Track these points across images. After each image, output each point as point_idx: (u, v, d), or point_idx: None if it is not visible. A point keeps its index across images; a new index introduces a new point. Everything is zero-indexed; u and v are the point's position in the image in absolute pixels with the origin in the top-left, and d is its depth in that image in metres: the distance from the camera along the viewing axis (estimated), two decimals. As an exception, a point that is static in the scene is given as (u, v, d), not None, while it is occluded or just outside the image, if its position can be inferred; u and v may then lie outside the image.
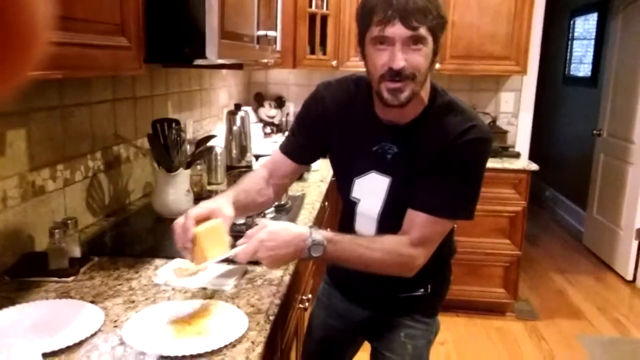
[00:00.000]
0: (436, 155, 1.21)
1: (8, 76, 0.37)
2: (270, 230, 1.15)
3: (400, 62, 1.13)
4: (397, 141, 1.27)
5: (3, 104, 1.29)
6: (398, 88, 1.16)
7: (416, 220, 1.22)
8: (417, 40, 1.12)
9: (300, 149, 1.41)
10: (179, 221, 1.17)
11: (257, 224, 1.19)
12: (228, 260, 1.35)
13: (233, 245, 1.17)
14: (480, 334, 3.19)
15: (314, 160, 1.46)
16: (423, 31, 1.12)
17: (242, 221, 1.62)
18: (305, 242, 1.15)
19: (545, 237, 5.04)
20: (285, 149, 1.43)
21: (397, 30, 1.12)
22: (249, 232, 1.17)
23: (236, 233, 1.25)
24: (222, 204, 1.22)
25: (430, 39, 1.14)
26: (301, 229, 1.19)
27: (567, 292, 3.84)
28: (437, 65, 3.22)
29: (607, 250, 4.31)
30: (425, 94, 1.25)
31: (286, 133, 1.63)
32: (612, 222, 4.22)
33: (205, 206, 1.20)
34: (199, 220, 1.16)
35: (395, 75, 1.15)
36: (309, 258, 1.19)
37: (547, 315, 3.44)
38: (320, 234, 1.17)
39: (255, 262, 1.41)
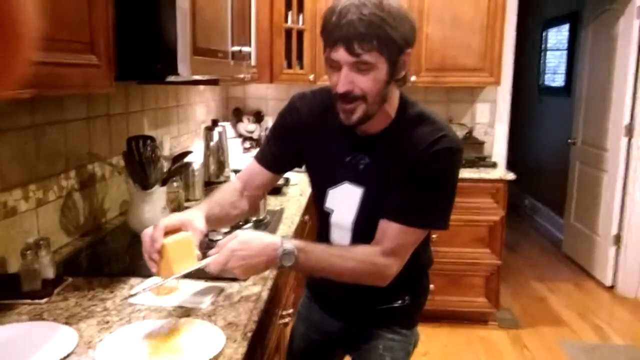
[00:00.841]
0: (407, 165, 1.21)
1: None
2: (242, 239, 1.14)
3: (342, 87, 1.15)
4: (369, 151, 1.28)
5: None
6: (349, 109, 1.19)
7: (388, 230, 1.22)
8: (362, 66, 1.13)
9: (275, 158, 1.41)
10: (148, 231, 1.15)
11: None
12: (203, 276, 1.34)
13: (203, 259, 1.16)
14: (463, 343, 3.19)
15: (288, 169, 1.46)
16: (367, 57, 1.12)
17: (219, 237, 1.61)
18: (276, 252, 1.15)
19: (525, 245, 5.08)
20: (260, 158, 1.43)
21: (340, 55, 1.13)
22: (220, 242, 1.16)
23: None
24: (195, 217, 1.21)
25: (380, 62, 1.14)
26: (273, 238, 1.18)
27: (548, 299, 3.87)
28: (413, 78, 3.26)
29: (586, 257, 4.37)
30: (391, 108, 1.26)
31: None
32: (590, 229, 4.28)
33: (176, 217, 1.20)
34: (169, 232, 1.15)
35: (343, 97, 1.17)
36: (281, 268, 1.19)
37: (529, 323, 3.46)
38: (292, 243, 1.16)
39: (233, 279, 1.41)
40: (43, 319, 1.18)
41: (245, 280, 1.41)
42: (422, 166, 1.20)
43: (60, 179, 1.68)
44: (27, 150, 1.52)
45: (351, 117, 1.20)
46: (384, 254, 1.21)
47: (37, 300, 1.26)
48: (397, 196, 1.22)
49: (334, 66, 1.17)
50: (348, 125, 1.22)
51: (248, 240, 1.15)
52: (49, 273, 1.36)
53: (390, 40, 1.12)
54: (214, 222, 1.30)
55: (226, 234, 1.61)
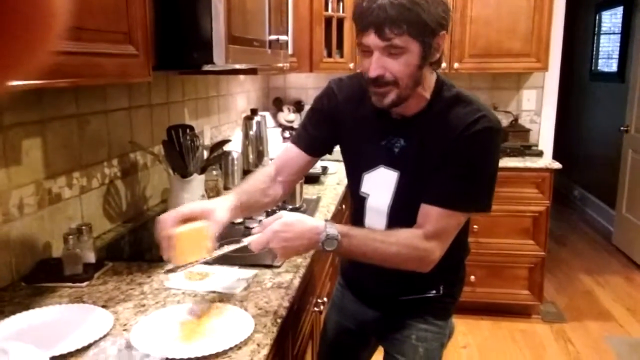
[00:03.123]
0: (446, 148, 1.20)
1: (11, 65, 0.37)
2: (285, 221, 1.15)
3: (374, 71, 1.15)
4: (405, 134, 1.27)
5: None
6: (380, 93, 1.18)
7: (430, 213, 1.21)
8: (393, 50, 1.13)
9: (312, 140, 1.41)
10: (164, 216, 1.16)
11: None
12: (237, 262, 1.36)
13: (215, 250, 1.16)
14: (504, 337, 3.13)
15: (323, 153, 1.45)
16: (398, 41, 1.11)
17: (254, 225, 1.63)
18: (319, 236, 1.15)
19: (573, 237, 4.93)
20: (297, 140, 1.43)
21: (371, 40, 1.13)
22: (264, 221, 1.17)
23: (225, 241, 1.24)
24: (217, 207, 1.20)
25: (412, 46, 1.13)
26: (316, 222, 1.18)
27: (596, 293, 3.75)
28: (456, 65, 3.19)
29: (637, 250, 4.20)
30: (426, 90, 1.24)
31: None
32: (642, 221, 4.11)
33: (197, 205, 1.21)
34: (190, 219, 1.15)
35: (375, 81, 1.17)
36: (323, 251, 1.19)
37: (575, 317, 3.36)
38: (335, 228, 1.16)
39: (266, 265, 1.42)
40: (82, 302, 1.23)
41: (280, 266, 1.43)
42: (462, 148, 1.18)
43: (103, 167, 1.73)
44: (72, 138, 1.57)
45: (383, 100, 1.19)
46: (426, 237, 1.20)
47: (77, 284, 1.31)
48: (438, 179, 1.21)
49: (366, 51, 1.16)
50: (380, 107, 1.21)
51: (291, 222, 1.15)
52: (90, 258, 1.41)
53: (422, 23, 1.11)
54: (243, 210, 1.31)
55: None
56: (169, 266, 1.43)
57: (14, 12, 0.33)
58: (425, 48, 1.15)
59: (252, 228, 1.20)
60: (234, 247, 1.17)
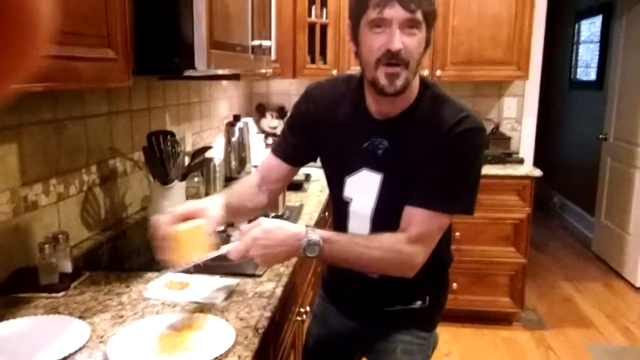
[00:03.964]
0: (430, 148, 1.19)
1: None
2: (265, 228, 1.12)
3: (398, 43, 1.12)
4: (388, 135, 1.25)
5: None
6: (394, 73, 1.15)
7: (414, 216, 1.19)
8: (413, 24, 1.12)
9: (292, 149, 1.39)
10: (161, 218, 1.14)
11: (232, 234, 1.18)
12: (217, 271, 1.34)
13: (218, 247, 1.15)
14: (486, 344, 3.14)
15: (305, 162, 1.43)
16: (419, 15, 1.12)
17: (221, 228, 1.60)
18: (300, 242, 1.12)
19: (553, 244, 4.97)
20: (277, 151, 1.41)
21: (395, 12, 1.11)
22: (243, 228, 1.15)
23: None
24: (211, 205, 1.19)
25: (424, 26, 1.14)
26: (297, 227, 1.16)
27: (576, 299, 3.78)
28: (438, 72, 3.21)
29: (616, 257, 4.25)
30: (415, 85, 1.24)
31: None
32: (621, 228, 4.16)
33: (191, 205, 1.19)
34: (183, 219, 1.14)
35: (391, 57, 1.13)
36: (305, 258, 1.17)
37: (555, 324, 3.39)
38: (317, 234, 1.14)
39: (247, 274, 1.40)
40: (58, 313, 1.19)
41: (261, 275, 1.40)
42: (446, 149, 1.18)
43: (81, 174, 1.70)
44: (49, 144, 1.53)
45: (395, 82, 1.16)
46: (409, 241, 1.18)
47: (53, 294, 1.28)
48: (422, 181, 1.20)
49: (382, 25, 1.13)
50: (391, 92, 1.17)
51: (271, 229, 1.13)
52: (67, 267, 1.38)
53: (432, 8, 1.15)
54: (232, 212, 1.29)
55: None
56: (150, 275, 1.40)
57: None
58: (428, 33, 1.16)
59: (232, 235, 1.18)
60: (212, 254, 1.15)
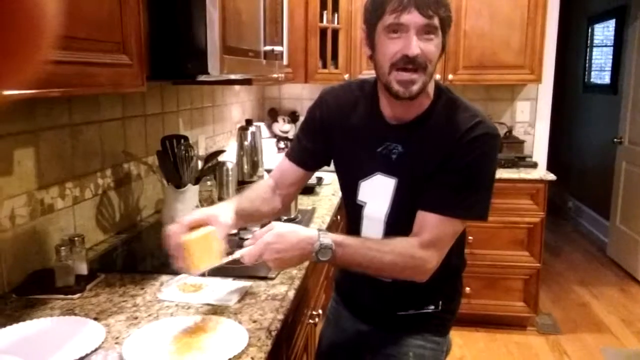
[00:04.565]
0: (444, 153, 1.19)
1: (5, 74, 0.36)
2: (278, 232, 1.13)
3: (416, 48, 1.13)
4: (402, 140, 1.25)
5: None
6: (410, 80, 1.15)
7: (427, 221, 1.19)
8: (430, 29, 1.13)
9: (306, 154, 1.40)
10: (172, 227, 1.15)
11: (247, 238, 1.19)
12: (231, 274, 1.35)
13: (230, 253, 1.16)
14: (500, 349, 3.11)
15: (319, 166, 1.44)
16: (436, 21, 1.13)
17: (249, 236, 1.61)
18: (312, 246, 1.13)
19: (568, 248, 4.93)
20: (291, 155, 1.42)
21: (413, 17, 1.12)
22: (256, 233, 1.16)
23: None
24: (221, 211, 1.20)
25: (439, 32, 1.15)
26: (310, 232, 1.16)
27: (591, 304, 3.74)
28: (450, 76, 3.20)
29: (631, 261, 4.20)
30: (431, 89, 1.24)
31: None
32: (636, 232, 4.12)
33: (201, 212, 1.20)
34: (194, 227, 1.15)
35: (408, 62, 1.14)
36: (317, 262, 1.17)
37: (570, 329, 3.35)
38: (329, 238, 1.14)
39: (260, 277, 1.41)
40: (74, 314, 1.21)
41: (274, 277, 1.41)
42: (460, 154, 1.18)
43: (96, 178, 1.72)
44: (64, 148, 1.56)
45: (411, 87, 1.16)
46: (422, 246, 1.18)
47: (69, 296, 1.29)
48: (435, 186, 1.20)
49: (398, 31, 1.14)
50: (406, 96, 1.17)
51: (284, 233, 1.14)
52: (83, 269, 1.40)
53: (448, 14, 1.15)
54: (245, 217, 1.29)
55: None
56: (164, 278, 1.41)
57: (3, 21, 0.33)
58: (444, 38, 1.17)
59: (246, 239, 1.19)
60: (226, 259, 1.16)
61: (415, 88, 1.16)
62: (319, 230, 1.18)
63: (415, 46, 1.12)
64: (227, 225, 1.19)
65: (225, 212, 1.21)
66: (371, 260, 1.18)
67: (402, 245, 1.19)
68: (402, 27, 1.13)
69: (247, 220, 1.38)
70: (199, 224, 1.16)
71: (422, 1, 1.11)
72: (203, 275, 1.32)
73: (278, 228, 1.14)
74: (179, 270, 1.17)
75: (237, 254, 1.14)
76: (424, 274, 1.20)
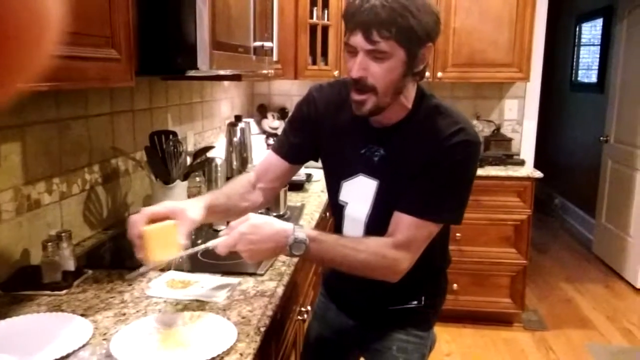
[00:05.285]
0: (424, 158, 1.19)
1: (6, 79, 0.36)
2: (253, 223, 1.13)
3: (356, 72, 1.14)
4: (384, 143, 1.26)
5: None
6: (359, 101, 1.18)
7: (401, 222, 1.20)
8: (377, 54, 1.12)
9: (292, 148, 1.39)
10: (134, 217, 1.15)
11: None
12: (219, 270, 1.34)
13: (188, 248, 1.16)
14: (487, 345, 3.14)
15: (305, 160, 1.44)
16: (384, 46, 1.10)
17: (222, 227, 1.61)
18: (287, 239, 1.13)
19: (554, 245, 4.98)
20: (277, 148, 1.41)
21: (357, 41, 1.12)
22: (232, 223, 1.15)
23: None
24: (189, 206, 1.19)
25: (398, 53, 1.12)
26: (285, 225, 1.16)
27: (576, 301, 3.79)
28: (439, 74, 3.21)
29: (616, 258, 4.26)
30: (407, 100, 1.24)
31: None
32: (621, 230, 4.17)
33: (165, 205, 1.19)
34: (158, 219, 1.14)
35: (355, 83, 1.16)
36: (291, 256, 1.18)
37: (556, 325, 3.39)
38: (304, 232, 1.15)
39: (249, 273, 1.41)
40: (61, 310, 1.20)
41: (263, 274, 1.41)
42: (438, 159, 1.18)
43: (84, 173, 1.71)
44: (52, 143, 1.54)
45: (362, 107, 1.19)
46: (395, 246, 1.19)
47: (56, 292, 1.28)
48: (412, 189, 1.21)
49: (352, 51, 1.15)
50: (360, 115, 1.20)
51: (259, 224, 1.14)
52: (70, 265, 1.38)
53: (411, 30, 1.10)
54: (219, 213, 1.29)
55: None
56: (152, 274, 1.41)
57: (8, 19, 0.33)
58: (410, 57, 1.14)
59: (219, 230, 1.18)
60: (200, 248, 1.15)
61: (365, 109, 1.18)
62: (295, 224, 1.18)
63: (357, 70, 1.14)
64: (193, 221, 1.17)
65: (193, 207, 1.19)
66: (344, 257, 1.19)
67: (376, 245, 1.20)
68: (352, 48, 1.14)
69: (222, 216, 1.38)
70: (163, 217, 1.15)
71: (368, 25, 1.09)
72: (165, 269, 1.31)
73: (253, 219, 1.14)
74: (140, 260, 1.15)
75: (211, 244, 1.14)
76: (396, 274, 1.21)
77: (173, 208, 1.17)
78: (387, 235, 1.21)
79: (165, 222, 1.14)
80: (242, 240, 1.11)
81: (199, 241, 1.53)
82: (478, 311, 3.27)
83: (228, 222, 1.20)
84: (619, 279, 4.13)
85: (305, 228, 1.18)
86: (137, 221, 1.12)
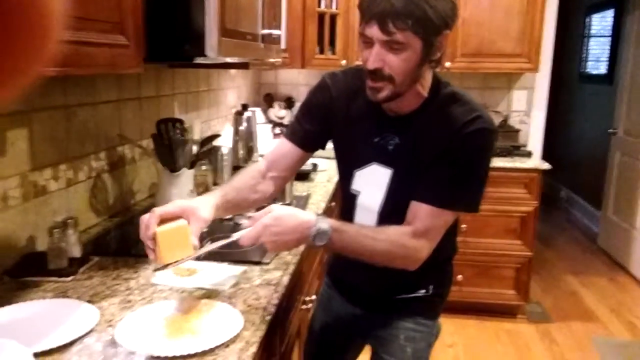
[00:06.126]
0: (440, 146, 1.19)
1: (14, 75, 0.36)
2: (276, 215, 1.13)
3: (372, 63, 1.13)
4: (399, 132, 1.25)
5: (8, 104, 1.29)
6: (375, 88, 1.17)
7: (419, 211, 1.20)
8: (393, 45, 1.11)
9: (305, 133, 1.38)
10: (145, 217, 1.14)
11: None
12: (226, 258, 1.34)
13: (200, 248, 1.15)
14: (490, 336, 3.14)
15: (318, 147, 1.42)
16: (400, 37, 1.09)
17: (243, 220, 1.61)
18: (310, 230, 1.13)
19: (560, 238, 4.96)
20: (290, 135, 1.40)
21: (373, 32, 1.11)
22: (254, 215, 1.15)
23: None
24: (199, 205, 1.18)
25: (415, 42, 1.11)
26: (308, 215, 1.16)
27: (581, 293, 3.78)
28: (448, 64, 3.19)
29: (622, 251, 4.24)
30: (423, 88, 1.23)
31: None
32: (628, 223, 4.15)
33: (176, 205, 1.17)
34: (168, 219, 1.13)
35: (371, 73, 1.15)
36: (314, 246, 1.18)
37: (560, 317, 3.39)
38: (327, 223, 1.14)
39: (255, 262, 1.41)
40: (67, 297, 1.20)
41: (269, 262, 1.41)
42: (456, 147, 1.18)
43: (90, 160, 1.71)
44: (59, 130, 1.54)
45: (377, 94, 1.18)
46: (414, 235, 1.19)
47: (62, 278, 1.29)
48: (430, 177, 1.20)
49: (367, 42, 1.14)
50: (374, 101, 1.20)
51: (282, 216, 1.13)
52: (76, 252, 1.39)
53: (428, 19, 1.09)
54: (229, 208, 1.29)
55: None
56: (154, 265, 1.41)
57: (11, 14, 0.32)
58: (427, 46, 1.13)
59: (241, 224, 1.18)
60: (223, 242, 1.15)
61: (381, 95, 1.18)
62: (318, 214, 1.18)
63: (373, 61, 1.13)
64: (204, 220, 1.17)
65: (204, 205, 1.19)
66: (365, 247, 1.19)
67: (396, 234, 1.20)
68: (368, 39, 1.14)
69: (233, 210, 1.38)
70: (174, 216, 1.14)
71: (384, 16, 1.08)
72: (198, 259, 1.31)
73: (277, 211, 1.14)
74: (151, 260, 1.15)
75: (235, 236, 1.14)
76: (415, 263, 1.21)
77: (184, 207, 1.16)
78: (405, 224, 1.21)
79: (177, 222, 1.13)
80: (265, 232, 1.11)
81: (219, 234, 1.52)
82: (482, 303, 3.27)
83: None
84: (624, 272, 4.11)
85: (328, 218, 1.17)
86: (150, 223, 1.12)
